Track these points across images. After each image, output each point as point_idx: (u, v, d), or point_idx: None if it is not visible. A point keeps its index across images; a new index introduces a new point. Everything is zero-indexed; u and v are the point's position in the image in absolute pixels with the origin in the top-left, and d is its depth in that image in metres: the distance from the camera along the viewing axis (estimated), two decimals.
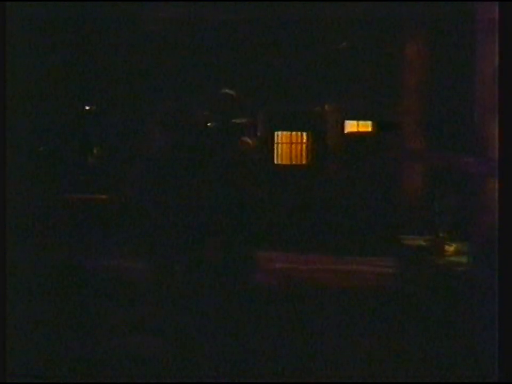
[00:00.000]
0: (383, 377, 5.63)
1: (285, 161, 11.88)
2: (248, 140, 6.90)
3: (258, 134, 11.63)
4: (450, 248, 7.19)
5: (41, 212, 8.21)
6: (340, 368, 5.89)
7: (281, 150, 11.88)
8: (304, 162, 11.87)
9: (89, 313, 6.81)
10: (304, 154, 11.86)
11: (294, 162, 11.87)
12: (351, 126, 11.78)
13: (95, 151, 10.98)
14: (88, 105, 10.78)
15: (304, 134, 11.86)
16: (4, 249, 4.47)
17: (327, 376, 5.71)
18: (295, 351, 6.32)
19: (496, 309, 4.50)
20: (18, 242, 4.95)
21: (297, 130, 11.84)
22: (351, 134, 11.73)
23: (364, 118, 11.67)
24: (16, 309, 4.77)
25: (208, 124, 6.78)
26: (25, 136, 5.18)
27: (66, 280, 7.61)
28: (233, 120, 6.82)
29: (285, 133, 11.87)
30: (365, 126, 11.76)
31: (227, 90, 6.92)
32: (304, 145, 11.87)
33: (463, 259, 6.54)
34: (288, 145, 11.87)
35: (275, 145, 11.85)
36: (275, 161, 11.85)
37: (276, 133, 11.83)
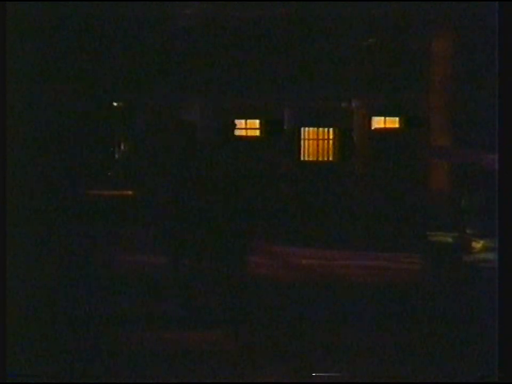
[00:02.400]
0: (385, 374, 5.63)
1: (312, 157, 11.88)
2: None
3: (285, 130, 11.64)
4: (478, 244, 7.17)
5: (61, 208, 8.26)
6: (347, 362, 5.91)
7: (308, 146, 11.88)
8: (330, 158, 11.86)
9: (89, 313, 6.81)
10: (330, 150, 11.85)
11: (320, 159, 11.87)
12: (378, 122, 11.76)
13: (121, 148, 11.05)
14: (113, 103, 10.85)
15: (331, 130, 11.85)
16: (3, 249, 4.50)
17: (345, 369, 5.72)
18: (325, 345, 6.34)
19: (497, 308, 4.48)
20: (34, 239, 4.97)
21: (324, 126, 11.82)
22: (378, 130, 11.70)
23: (391, 114, 11.64)
24: (16, 309, 4.80)
25: (235, 122, 6.80)
26: (48, 134, 5.21)
27: (71, 279, 7.63)
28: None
29: (311, 129, 11.86)
30: (392, 122, 11.73)
31: None
32: (330, 141, 11.86)
33: (490, 256, 6.52)
34: (315, 142, 11.87)
35: (302, 141, 11.85)
36: (301, 158, 11.84)
37: (302, 129, 11.83)
